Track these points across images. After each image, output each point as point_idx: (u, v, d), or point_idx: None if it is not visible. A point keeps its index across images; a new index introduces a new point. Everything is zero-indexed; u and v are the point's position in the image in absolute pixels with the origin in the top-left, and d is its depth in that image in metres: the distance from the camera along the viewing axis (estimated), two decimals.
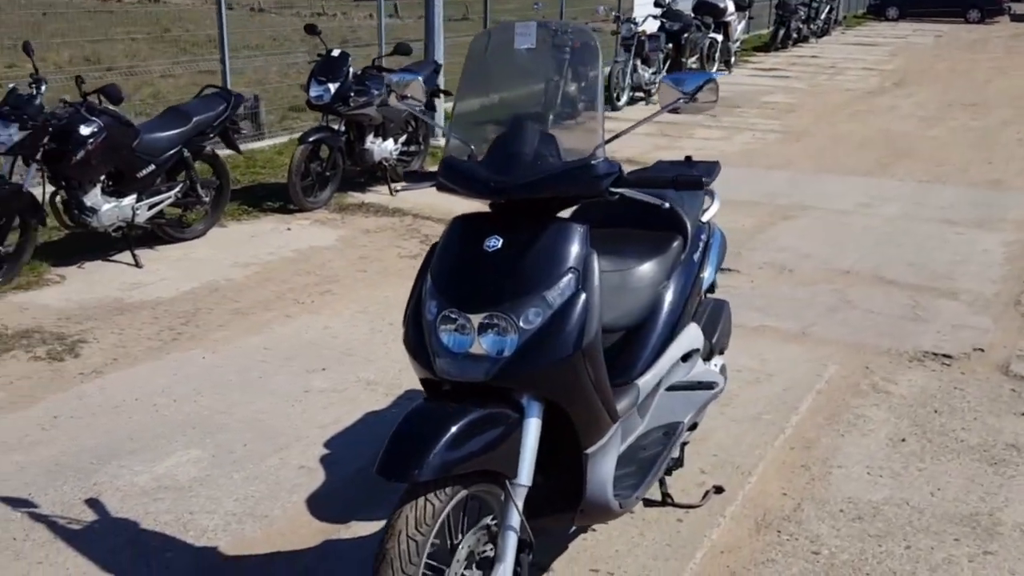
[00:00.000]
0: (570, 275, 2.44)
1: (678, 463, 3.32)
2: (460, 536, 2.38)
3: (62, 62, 11.69)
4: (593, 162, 2.49)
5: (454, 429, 2.27)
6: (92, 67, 11.31)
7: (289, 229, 6.94)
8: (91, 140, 5.55)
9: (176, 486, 3.49)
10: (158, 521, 3.28)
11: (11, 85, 5.73)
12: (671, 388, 3.12)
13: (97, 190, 5.77)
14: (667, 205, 2.59)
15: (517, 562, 2.46)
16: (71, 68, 10.20)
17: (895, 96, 14.03)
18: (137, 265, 5.99)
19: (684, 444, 3.34)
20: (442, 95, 8.53)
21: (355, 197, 7.72)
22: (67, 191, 5.70)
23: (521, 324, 2.37)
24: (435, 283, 2.48)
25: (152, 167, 6.01)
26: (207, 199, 6.54)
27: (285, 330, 5.04)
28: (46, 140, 5.44)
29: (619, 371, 2.94)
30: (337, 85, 7.28)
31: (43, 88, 5.51)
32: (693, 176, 2.57)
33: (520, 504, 2.40)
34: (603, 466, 2.64)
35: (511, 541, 2.41)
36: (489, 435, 2.34)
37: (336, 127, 7.51)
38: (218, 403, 4.14)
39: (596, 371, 2.50)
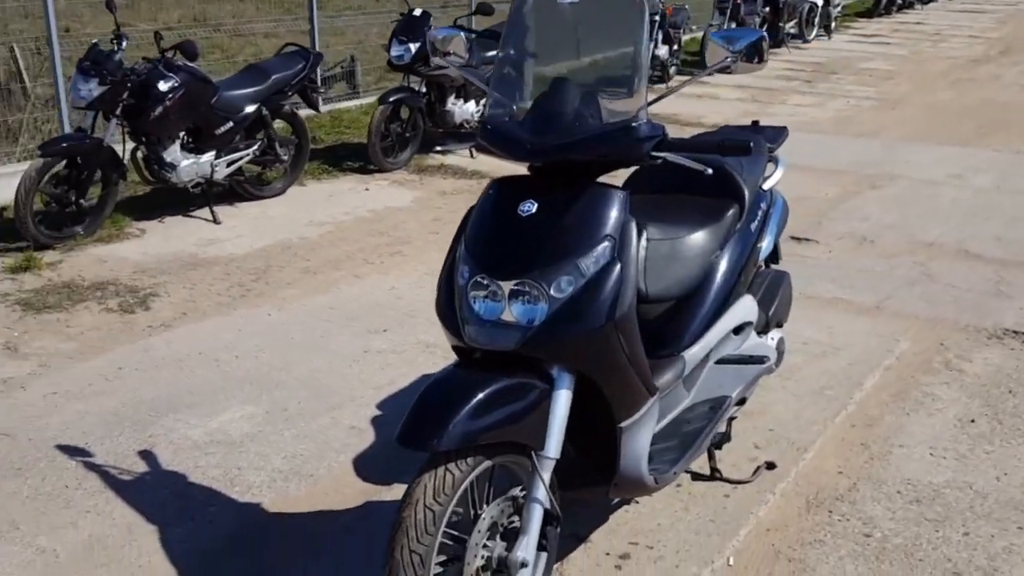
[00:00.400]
0: (606, 243, 2.36)
1: (725, 438, 3.23)
2: (484, 507, 2.34)
3: (171, 21, 11.96)
4: (634, 124, 2.40)
5: (478, 398, 2.23)
6: (200, 26, 11.54)
7: (367, 189, 6.99)
8: (169, 96, 5.66)
9: (227, 441, 3.55)
10: (206, 475, 3.34)
11: (94, 41, 5.86)
12: (721, 361, 3.02)
13: (176, 146, 5.89)
14: (709, 171, 2.48)
15: (543, 535, 2.41)
16: (179, 28, 10.42)
17: (1000, 65, 13.38)
18: (215, 221, 6.10)
19: (732, 419, 3.25)
20: None
21: (435, 159, 7.71)
22: (147, 147, 5.84)
23: (552, 292, 2.31)
24: (468, 248, 2.44)
25: (230, 124, 6.10)
26: (285, 157, 6.62)
27: (352, 290, 5.07)
28: (125, 95, 5.55)
29: (665, 343, 2.87)
30: (418, 45, 7.25)
31: (123, 44, 5.62)
32: (739, 141, 2.45)
33: (547, 477, 2.35)
34: (638, 440, 2.57)
35: (536, 513, 2.36)
36: (515, 406, 2.29)
37: (417, 88, 7.51)
38: (277, 360, 4.20)
39: (630, 343, 2.42)
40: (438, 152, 6.97)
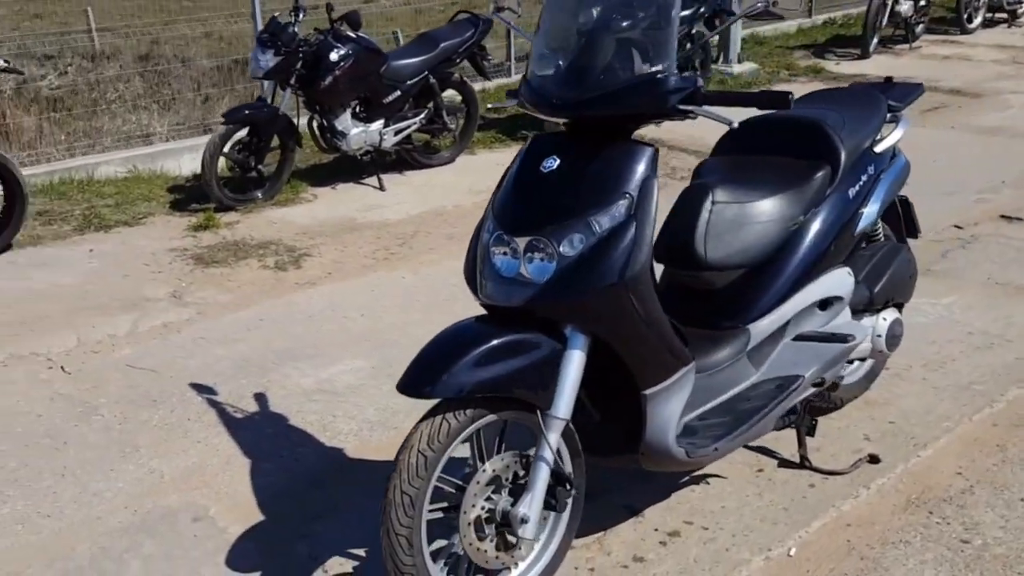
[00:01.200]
0: (623, 200, 2.27)
1: (805, 424, 2.99)
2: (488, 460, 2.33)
3: None
4: (660, 76, 2.28)
5: (479, 350, 2.22)
6: None
7: None
8: (339, 66, 5.91)
9: (331, 391, 3.71)
10: (305, 420, 3.51)
11: (274, 14, 6.21)
12: (799, 338, 2.82)
13: (347, 115, 6.15)
14: (735, 124, 2.32)
15: (553, 495, 2.37)
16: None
17: None
18: (380, 188, 6.33)
19: (817, 405, 3.02)
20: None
21: None
22: (320, 115, 6.13)
23: (562, 249, 2.25)
24: (493, 205, 2.41)
25: (398, 93, 6.29)
26: (453, 126, 6.75)
27: None
28: (298, 66, 5.85)
29: (730, 314, 2.74)
30: None
31: (300, 16, 5.92)
32: (778, 94, 2.28)
33: (554, 437, 2.30)
34: (665, 410, 2.46)
35: (542, 473, 2.32)
36: (520, 361, 2.25)
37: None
38: (398, 321, 4.31)
39: (645, 306, 2.32)
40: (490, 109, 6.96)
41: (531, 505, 2.31)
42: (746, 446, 3.16)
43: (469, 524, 2.29)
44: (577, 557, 2.67)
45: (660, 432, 2.47)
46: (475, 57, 6.80)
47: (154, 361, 4.02)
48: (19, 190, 5.12)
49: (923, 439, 3.26)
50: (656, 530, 2.80)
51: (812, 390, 2.87)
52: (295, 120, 6.10)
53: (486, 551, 2.32)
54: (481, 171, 6.66)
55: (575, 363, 2.31)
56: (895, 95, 3.19)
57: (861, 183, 2.93)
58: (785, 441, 3.15)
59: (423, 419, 2.24)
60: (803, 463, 3.06)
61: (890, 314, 3.17)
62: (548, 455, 2.31)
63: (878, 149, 3.03)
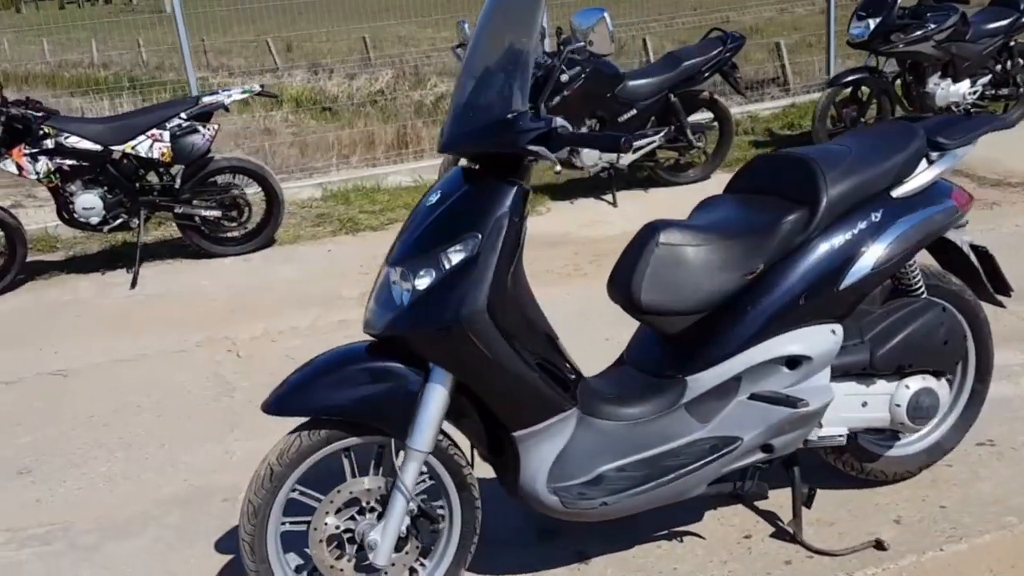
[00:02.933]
0: (471, 238, 2.25)
1: (800, 493, 2.69)
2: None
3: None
4: (510, 116, 2.23)
5: (340, 374, 2.32)
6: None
7: None
8: (568, 86, 6.10)
9: None
10: None
11: None
12: (753, 397, 2.54)
13: (583, 132, 6.31)
14: (559, 169, 2.21)
15: (417, 527, 2.41)
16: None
17: None
18: (613, 204, 6.41)
19: (758, 469, 2.66)
20: None
21: None
22: None
23: (416, 282, 2.27)
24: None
25: (634, 112, 6.32)
26: (700, 144, 6.62)
27: None
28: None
29: (670, 362, 2.58)
30: (878, 20, 6.66)
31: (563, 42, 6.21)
32: (612, 137, 2.14)
33: (412, 468, 2.34)
34: (536, 454, 2.38)
35: (397, 502, 2.35)
36: (379, 389, 2.32)
37: (881, 67, 6.88)
38: None
39: (492, 347, 2.27)
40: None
41: (383, 532, 2.37)
42: (756, 509, 2.92)
43: (320, 541, 2.40)
44: None
45: (530, 478, 2.39)
46: (727, 75, 6.61)
47: (308, 353, 4.51)
48: (275, 196, 5.96)
49: (966, 531, 2.75)
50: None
51: (760, 456, 2.57)
52: None
53: (342, 570, 2.43)
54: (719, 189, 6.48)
55: (435, 397, 2.33)
56: (948, 131, 2.72)
57: (856, 231, 2.55)
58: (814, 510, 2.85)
59: (287, 435, 2.41)
60: (795, 537, 2.75)
61: (917, 383, 2.71)
62: (403, 485, 2.36)
63: (897, 192, 2.61)
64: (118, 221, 5.60)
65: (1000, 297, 2.95)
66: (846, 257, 2.54)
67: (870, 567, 2.64)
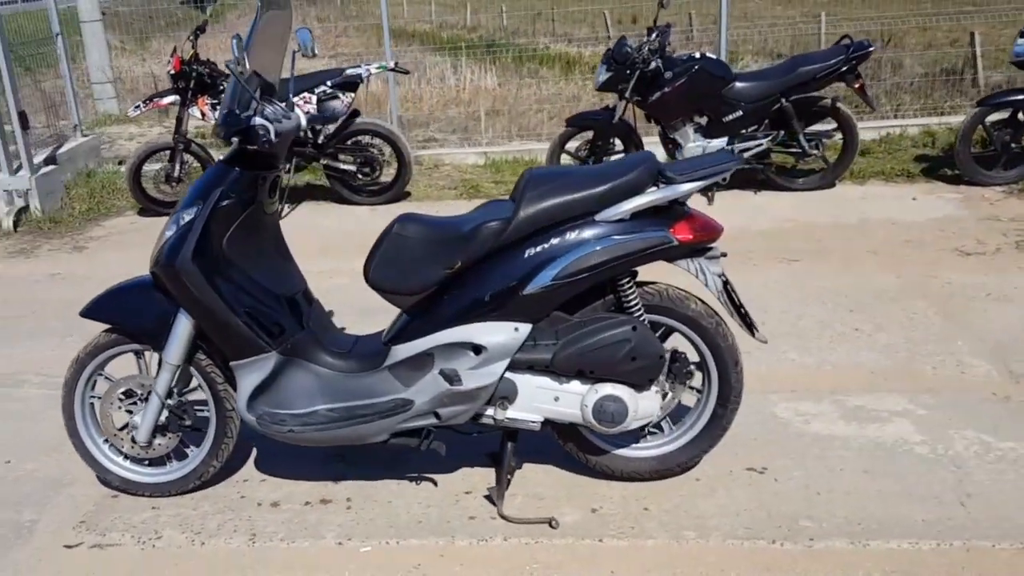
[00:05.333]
0: (197, 205, 2.93)
1: (509, 461, 3.15)
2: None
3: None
4: (224, 112, 2.87)
5: (125, 296, 3.11)
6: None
7: (914, 199, 6.44)
8: (671, 83, 6.36)
9: None
10: None
11: (622, 36, 6.81)
12: (441, 372, 3.00)
13: (688, 129, 6.54)
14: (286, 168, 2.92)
15: (179, 420, 3.20)
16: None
17: None
18: (709, 202, 6.56)
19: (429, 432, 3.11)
20: None
21: None
22: (661, 126, 6.66)
23: (166, 233, 2.97)
24: None
25: (739, 113, 6.43)
26: (816, 152, 6.57)
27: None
28: (634, 80, 6.46)
29: (389, 331, 3.10)
30: None
31: (659, 36, 6.49)
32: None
33: (165, 376, 3.10)
34: (244, 382, 3.02)
35: (152, 399, 3.13)
36: (146, 312, 3.07)
37: None
38: None
39: (201, 293, 2.93)
40: None
41: (141, 418, 3.17)
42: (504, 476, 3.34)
43: (108, 414, 3.22)
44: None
45: (240, 400, 3.05)
46: (851, 84, 6.46)
47: (344, 292, 5.37)
48: (403, 157, 6.84)
49: (638, 533, 2.98)
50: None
51: (432, 420, 3.03)
52: (636, 128, 6.71)
53: (122, 440, 3.22)
54: (836, 202, 6.43)
55: (182, 323, 3.04)
56: (680, 166, 2.94)
57: (547, 245, 2.87)
58: (535, 484, 3.27)
59: None
60: (489, 494, 3.18)
61: (606, 389, 2.98)
62: (156, 386, 3.13)
63: (600, 216, 2.90)
64: None
65: (759, 335, 3.11)
66: (532, 267, 2.88)
67: (528, 537, 2.99)
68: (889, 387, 3.86)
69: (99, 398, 3.27)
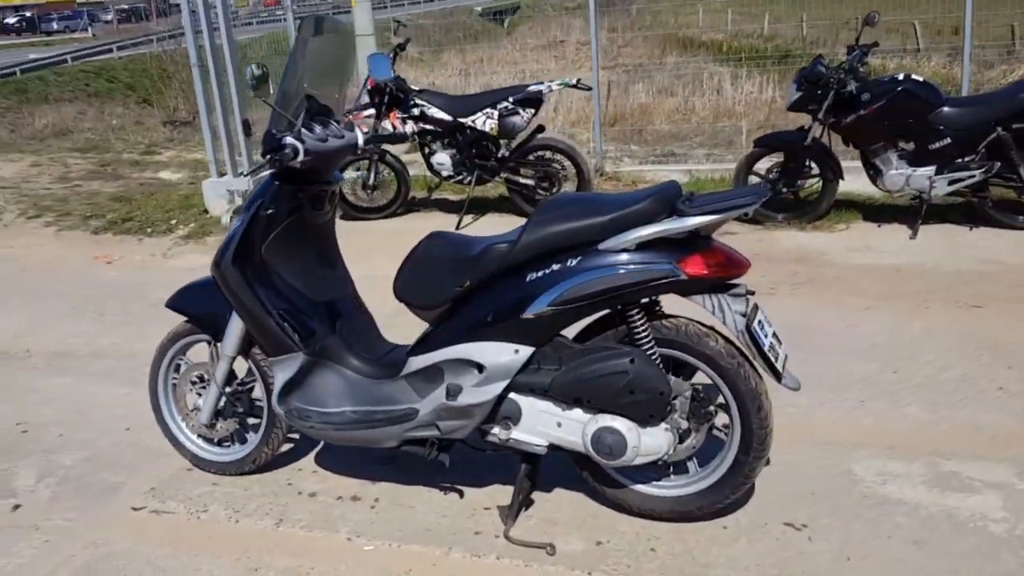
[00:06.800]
0: (244, 213, 3.17)
1: (523, 485, 3.13)
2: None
3: None
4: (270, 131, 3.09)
5: (199, 292, 3.40)
6: None
7: None
8: (867, 106, 5.91)
9: None
10: None
11: (818, 55, 6.34)
12: (448, 386, 3.02)
13: (890, 154, 6.04)
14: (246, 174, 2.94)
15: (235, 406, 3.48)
16: None
17: None
18: (913, 235, 6.03)
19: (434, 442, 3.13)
20: None
21: None
22: (860, 150, 6.18)
23: (224, 238, 3.27)
24: None
25: (948, 140, 5.85)
26: None
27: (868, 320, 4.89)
28: (827, 101, 6.05)
29: (415, 343, 3.18)
30: None
31: (857, 55, 6.06)
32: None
33: (222, 366, 3.37)
34: (277, 376, 3.21)
35: (211, 386, 3.42)
36: (211, 306, 3.35)
37: None
38: None
39: (238, 293, 3.16)
40: None
41: (203, 402, 3.47)
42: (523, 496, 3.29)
43: (184, 394, 3.56)
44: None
45: (274, 394, 3.24)
46: None
47: None
48: (583, 172, 6.86)
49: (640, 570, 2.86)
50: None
51: (435, 432, 3.04)
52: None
53: (194, 417, 3.55)
54: None
55: (236, 319, 3.29)
56: (702, 198, 2.77)
57: (548, 271, 2.81)
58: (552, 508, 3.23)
59: None
60: (502, 514, 3.15)
61: (606, 420, 2.86)
62: (216, 375, 3.41)
63: (604, 245, 2.79)
64: (459, 177, 7.06)
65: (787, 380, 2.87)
66: (532, 291, 2.85)
67: (522, 560, 2.95)
68: (1002, 455, 3.39)
69: (175, 379, 3.61)
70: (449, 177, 7.08)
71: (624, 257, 2.79)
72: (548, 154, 6.91)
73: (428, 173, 7.36)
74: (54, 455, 3.88)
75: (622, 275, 2.78)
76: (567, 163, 6.92)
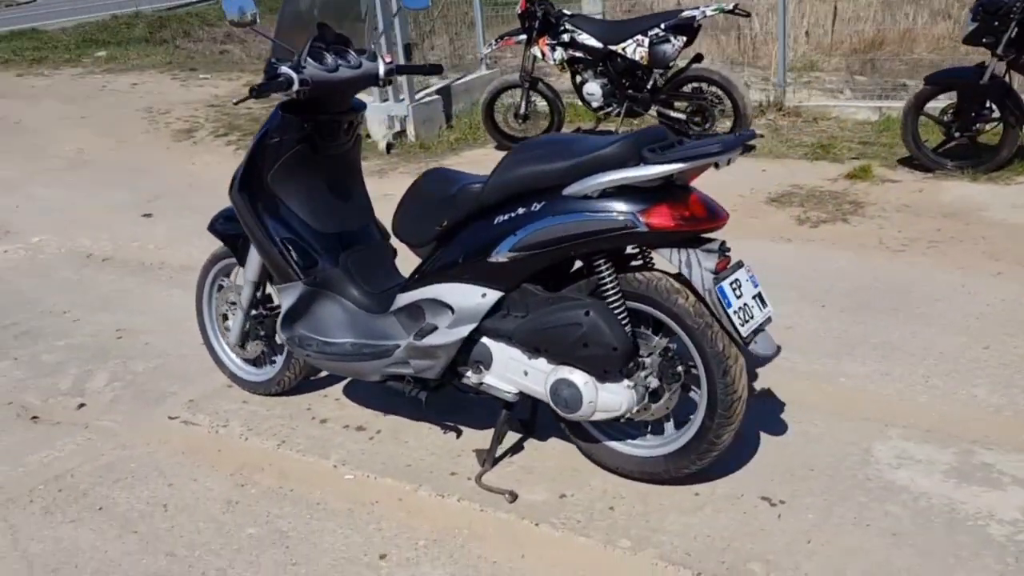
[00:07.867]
0: (257, 138, 3.27)
1: (505, 424, 3.10)
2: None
3: None
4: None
5: (230, 218, 3.52)
6: None
7: None
8: None
9: None
10: None
11: None
12: (421, 330, 3.03)
13: None
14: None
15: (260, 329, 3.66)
16: None
17: None
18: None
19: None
20: None
21: None
22: None
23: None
24: None
25: None
26: None
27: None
28: (1009, 31, 5.35)
29: (409, 279, 3.22)
30: None
31: None
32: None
33: (247, 291, 3.54)
34: (283, 302, 3.32)
35: (238, 313, 3.62)
36: (236, 231, 3.48)
37: None
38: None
39: (247, 220, 3.27)
40: None
41: (232, 323, 3.66)
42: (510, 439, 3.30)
43: (220, 313, 3.76)
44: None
45: (280, 319, 3.36)
46: None
47: None
48: (739, 107, 6.52)
49: (575, 527, 2.74)
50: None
51: (408, 370, 3.07)
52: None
53: (228, 332, 3.75)
54: None
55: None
56: (672, 148, 2.57)
57: (512, 215, 2.72)
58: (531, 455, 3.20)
59: None
60: (480, 456, 3.14)
61: (565, 372, 2.75)
62: (242, 299, 3.57)
63: (567, 191, 2.66)
64: (609, 108, 6.87)
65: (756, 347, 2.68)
66: (497, 235, 2.79)
67: (481, 504, 2.94)
68: None
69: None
70: (600, 108, 6.90)
71: (584, 204, 2.67)
72: (704, 86, 6.58)
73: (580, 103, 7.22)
74: (131, 361, 4.22)
75: (580, 223, 2.66)
76: (724, 96, 6.57)
